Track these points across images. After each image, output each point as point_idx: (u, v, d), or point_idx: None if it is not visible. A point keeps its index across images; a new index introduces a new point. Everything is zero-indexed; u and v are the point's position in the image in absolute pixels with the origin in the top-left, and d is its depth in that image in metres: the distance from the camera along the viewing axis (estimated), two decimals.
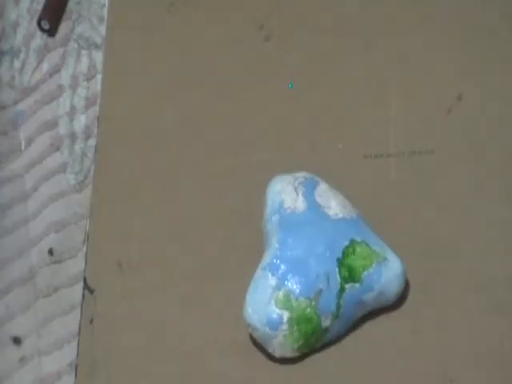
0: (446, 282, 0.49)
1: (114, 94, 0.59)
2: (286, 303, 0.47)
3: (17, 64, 0.63)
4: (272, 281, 0.48)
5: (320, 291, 0.47)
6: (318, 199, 0.50)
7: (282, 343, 0.48)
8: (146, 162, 0.56)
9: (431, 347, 0.48)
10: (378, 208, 0.51)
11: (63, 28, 0.63)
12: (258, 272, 0.49)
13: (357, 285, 0.48)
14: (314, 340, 0.48)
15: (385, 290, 0.48)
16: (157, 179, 0.55)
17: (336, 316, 0.48)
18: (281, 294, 0.48)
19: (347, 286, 0.48)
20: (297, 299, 0.47)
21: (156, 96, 0.58)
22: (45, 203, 0.57)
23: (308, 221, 0.49)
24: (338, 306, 0.48)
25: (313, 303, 0.47)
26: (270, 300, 0.48)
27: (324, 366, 0.48)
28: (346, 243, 0.48)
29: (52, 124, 0.60)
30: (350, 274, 0.48)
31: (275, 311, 0.47)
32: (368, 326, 0.49)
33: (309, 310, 0.47)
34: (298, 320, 0.47)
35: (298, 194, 0.50)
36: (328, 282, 0.47)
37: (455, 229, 0.50)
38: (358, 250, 0.48)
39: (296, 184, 0.50)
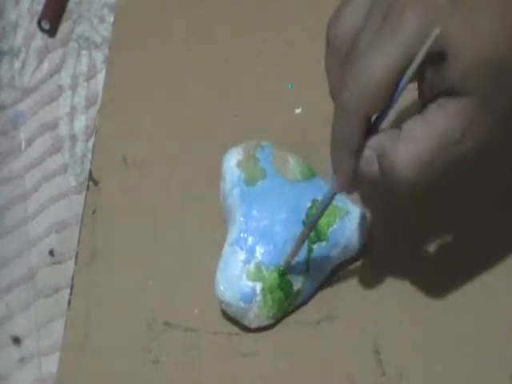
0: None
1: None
2: (258, 275, 0.47)
3: (17, 64, 0.63)
4: (241, 255, 0.48)
5: (289, 257, 0.47)
6: (275, 165, 0.50)
7: (257, 314, 0.48)
8: (158, 62, 0.58)
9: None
10: None
11: (63, 28, 0.63)
12: (227, 248, 0.49)
13: (323, 243, 0.48)
14: (287, 305, 0.49)
15: (350, 242, 0.49)
16: (167, 80, 0.57)
17: (306, 277, 0.48)
18: (251, 266, 0.48)
19: (314, 246, 0.48)
20: (268, 269, 0.47)
21: None
22: (45, 204, 0.57)
23: (269, 189, 0.49)
24: (307, 268, 0.48)
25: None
26: (241, 274, 0.48)
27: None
28: (309, 204, 0.48)
29: (52, 125, 0.60)
30: (316, 234, 0.48)
31: (248, 285, 0.47)
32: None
33: (280, 277, 0.48)
34: (271, 289, 0.47)
35: (255, 164, 0.50)
36: None
37: None
38: None
39: (251, 153, 0.50)
